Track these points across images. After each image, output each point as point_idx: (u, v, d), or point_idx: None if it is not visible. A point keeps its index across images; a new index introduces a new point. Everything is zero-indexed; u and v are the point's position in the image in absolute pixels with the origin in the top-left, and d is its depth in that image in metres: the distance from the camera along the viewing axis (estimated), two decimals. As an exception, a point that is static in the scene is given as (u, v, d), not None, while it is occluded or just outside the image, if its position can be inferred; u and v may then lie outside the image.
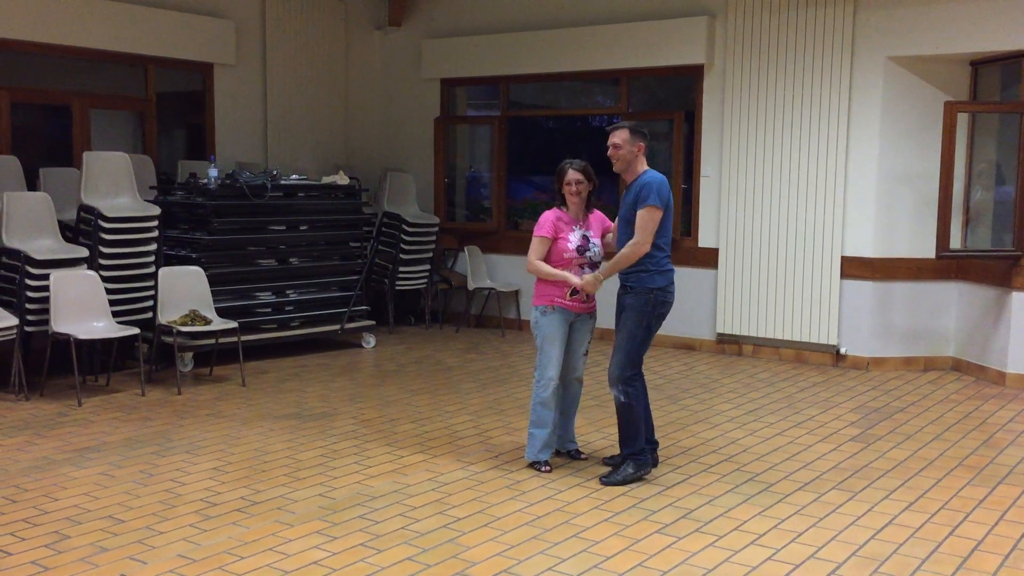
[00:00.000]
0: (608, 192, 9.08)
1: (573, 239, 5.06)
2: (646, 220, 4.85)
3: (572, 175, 5.07)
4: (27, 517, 4.40)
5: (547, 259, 5.07)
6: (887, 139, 7.86)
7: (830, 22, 7.88)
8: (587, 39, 9.08)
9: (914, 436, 5.97)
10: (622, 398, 4.96)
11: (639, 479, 4.97)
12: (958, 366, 7.95)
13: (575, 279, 5.00)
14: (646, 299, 4.94)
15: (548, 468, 5.13)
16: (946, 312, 8.02)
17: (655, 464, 5.22)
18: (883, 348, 8.03)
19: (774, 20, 8.14)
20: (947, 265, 7.93)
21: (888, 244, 7.96)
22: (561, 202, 5.15)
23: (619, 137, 4.96)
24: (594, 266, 5.13)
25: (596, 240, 5.15)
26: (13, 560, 3.92)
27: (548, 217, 5.10)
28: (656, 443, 5.32)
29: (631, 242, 4.89)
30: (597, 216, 5.24)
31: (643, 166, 5.01)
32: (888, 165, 7.89)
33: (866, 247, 7.95)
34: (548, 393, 5.09)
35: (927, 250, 7.86)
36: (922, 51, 7.66)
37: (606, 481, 4.93)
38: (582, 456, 5.37)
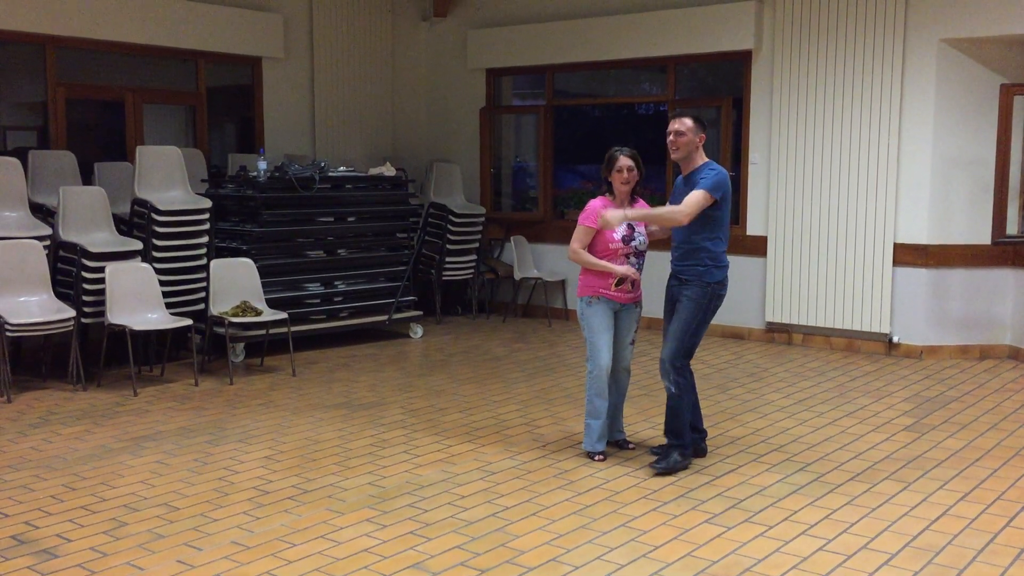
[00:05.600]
0: (655, 180, 9.02)
1: (619, 229, 5.03)
2: (695, 199, 4.80)
3: (624, 161, 5.02)
4: (86, 504, 4.50)
5: (592, 248, 5.05)
6: (941, 123, 7.71)
7: (881, 4, 7.73)
8: (633, 26, 9.02)
9: (969, 426, 5.86)
10: (673, 389, 4.98)
11: (685, 468, 4.99)
12: (1015, 354, 7.79)
13: (619, 268, 4.98)
14: (703, 292, 4.93)
15: (602, 457, 5.14)
16: (1002, 299, 7.86)
17: (703, 454, 5.22)
18: (937, 336, 7.89)
19: (823, 3, 8.01)
20: (1003, 251, 7.76)
21: (943, 230, 7.80)
22: (607, 190, 5.12)
23: (684, 125, 4.92)
24: (640, 255, 5.11)
25: (641, 229, 5.11)
26: (73, 546, 4.01)
27: (595, 206, 5.07)
28: (704, 432, 5.30)
29: (674, 207, 4.86)
30: (641, 205, 5.20)
31: (702, 157, 4.99)
32: (942, 150, 7.74)
33: (920, 233, 7.80)
34: (601, 383, 5.08)
35: (983, 236, 7.70)
36: (977, 32, 7.48)
37: (654, 466, 4.96)
38: (630, 446, 5.36)
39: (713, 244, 4.92)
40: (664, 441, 5.14)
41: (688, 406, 5.01)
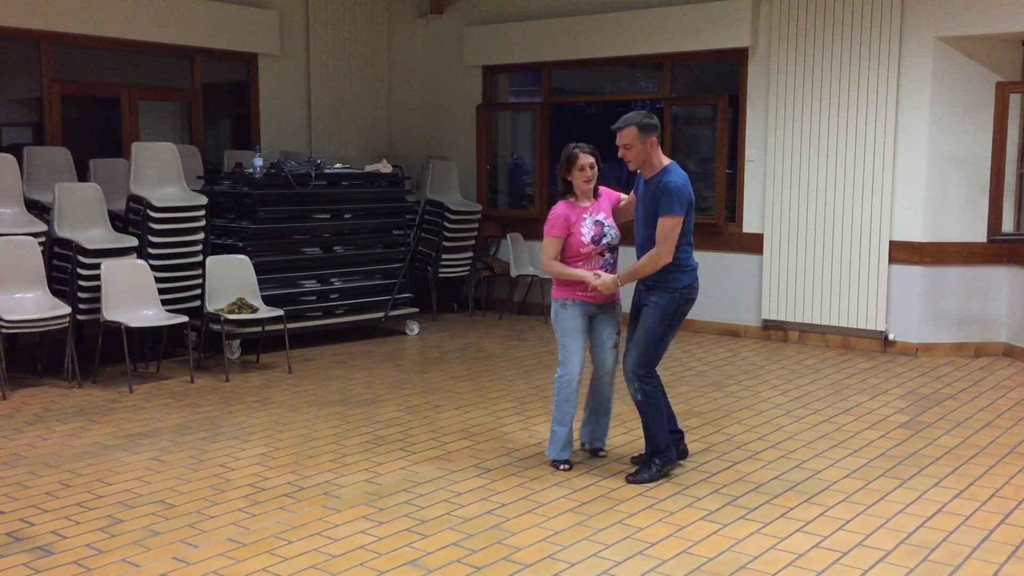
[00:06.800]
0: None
1: (586, 230, 4.82)
2: (667, 230, 4.59)
3: (586, 159, 4.81)
4: (81, 501, 4.50)
5: (563, 253, 4.85)
6: (937, 121, 7.72)
7: (877, 2, 7.74)
8: (630, 24, 9.02)
9: (965, 423, 5.87)
10: (639, 396, 4.78)
11: (666, 475, 4.80)
12: (1010, 352, 7.81)
13: (591, 278, 4.76)
14: (670, 298, 4.71)
15: (568, 467, 4.95)
16: (998, 297, 7.87)
17: (684, 455, 5.05)
18: (933, 334, 7.90)
19: (820, 1, 8.01)
20: (999, 249, 7.78)
21: (938, 228, 7.81)
22: (566, 191, 4.90)
23: (627, 137, 4.63)
24: (613, 250, 4.91)
25: (610, 222, 4.89)
26: (68, 543, 4.01)
27: (559, 214, 4.85)
28: (681, 433, 5.11)
29: (653, 252, 4.65)
30: (605, 194, 4.98)
31: (661, 160, 4.69)
32: (938, 148, 7.75)
33: (915, 231, 7.81)
34: (572, 389, 4.88)
35: (978, 234, 7.72)
36: (973, 31, 7.50)
37: (632, 480, 4.76)
38: (601, 454, 5.17)
39: (678, 251, 4.68)
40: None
41: (661, 411, 4.79)
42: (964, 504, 4.49)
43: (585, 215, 4.86)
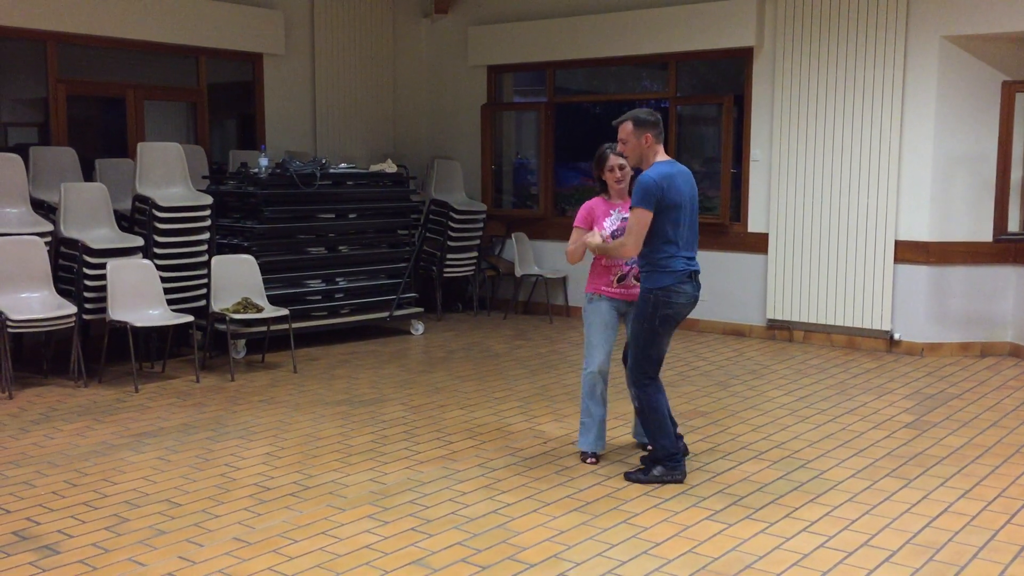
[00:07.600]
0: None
1: (608, 224, 4.90)
2: (633, 223, 4.53)
3: (614, 159, 4.92)
4: (87, 500, 4.51)
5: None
6: (943, 121, 7.70)
7: (883, 1, 7.73)
8: (635, 23, 9.02)
9: (970, 423, 5.86)
10: (636, 403, 4.80)
11: (665, 483, 4.71)
12: (1016, 352, 7.79)
13: (588, 235, 4.83)
14: (647, 299, 4.64)
15: (594, 460, 5.02)
16: (1004, 297, 7.86)
17: (685, 453, 4.94)
18: (938, 334, 7.89)
19: (825, 0, 8.00)
20: (1005, 249, 7.76)
21: (944, 228, 7.80)
22: (602, 189, 5.04)
23: (623, 131, 4.63)
24: None
25: None
26: (74, 542, 4.02)
27: (585, 206, 5.01)
28: (679, 434, 5.00)
29: (620, 241, 4.65)
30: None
31: (656, 156, 4.64)
32: (944, 147, 7.73)
33: (921, 231, 7.80)
34: (592, 384, 4.94)
35: (984, 233, 7.70)
36: (978, 30, 7.48)
37: (630, 477, 4.75)
38: (649, 448, 5.17)
39: (656, 251, 4.57)
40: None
41: (661, 420, 4.71)
42: (970, 504, 4.49)
43: (613, 211, 4.97)
